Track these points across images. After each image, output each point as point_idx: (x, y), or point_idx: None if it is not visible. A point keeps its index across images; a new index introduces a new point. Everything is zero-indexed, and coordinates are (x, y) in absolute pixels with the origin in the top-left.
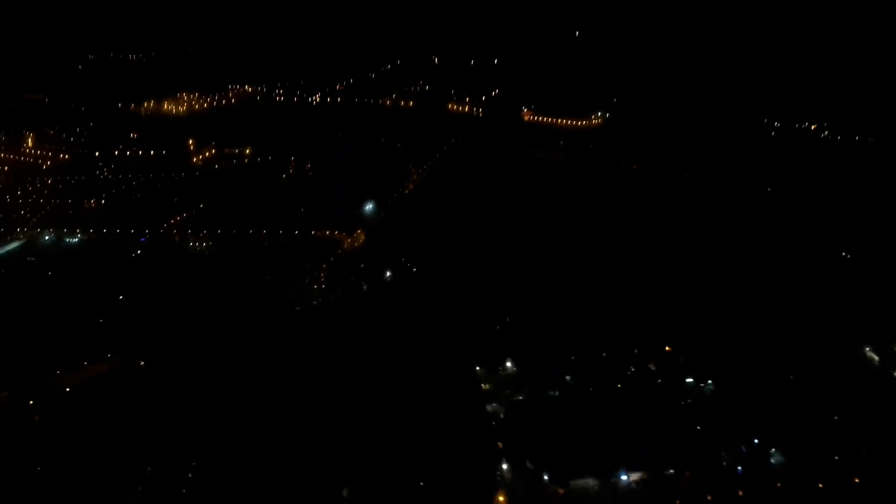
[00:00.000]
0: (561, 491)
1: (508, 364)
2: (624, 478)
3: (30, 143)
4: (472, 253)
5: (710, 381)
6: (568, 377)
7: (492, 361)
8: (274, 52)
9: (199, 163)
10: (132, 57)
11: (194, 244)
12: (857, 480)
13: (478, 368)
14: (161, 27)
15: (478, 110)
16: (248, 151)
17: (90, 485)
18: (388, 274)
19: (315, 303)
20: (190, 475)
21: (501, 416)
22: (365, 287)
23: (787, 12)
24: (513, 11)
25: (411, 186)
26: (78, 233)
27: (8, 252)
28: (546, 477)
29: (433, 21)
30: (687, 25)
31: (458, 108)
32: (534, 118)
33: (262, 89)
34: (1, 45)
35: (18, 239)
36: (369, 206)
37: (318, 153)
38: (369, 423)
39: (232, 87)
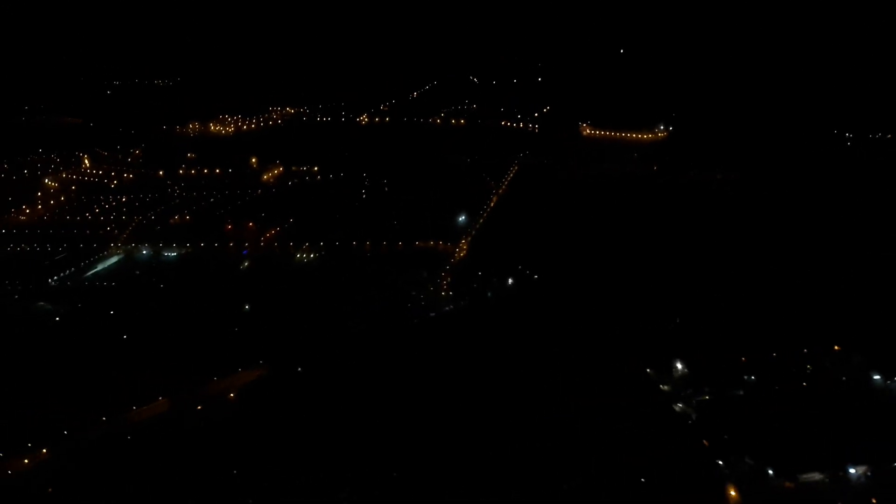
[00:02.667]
0: (789, 484)
1: (679, 365)
2: (852, 471)
3: (87, 164)
4: (586, 259)
5: None
6: (746, 376)
7: (661, 363)
8: (315, 73)
9: (271, 180)
10: (161, 83)
11: (301, 256)
12: None
13: (648, 371)
14: (197, 50)
15: (534, 126)
16: (315, 169)
17: (294, 490)
18: (511, 281)
19: (447, 309)
20: (395, 474)
21: (693, 415)
22: (490, 294)
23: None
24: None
25: (496, 199)
26: (175, 247)
27: (110, 266)
28: (771, 471)
29: (478, 38)
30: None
31: (512, 125)
32: (594, 132)
33: (304, 110)
34: (40, 69)
35: (116, 254)
36: (462, 218)
37: (391, 169)
38: (562, 424)
39: (273, 108)
